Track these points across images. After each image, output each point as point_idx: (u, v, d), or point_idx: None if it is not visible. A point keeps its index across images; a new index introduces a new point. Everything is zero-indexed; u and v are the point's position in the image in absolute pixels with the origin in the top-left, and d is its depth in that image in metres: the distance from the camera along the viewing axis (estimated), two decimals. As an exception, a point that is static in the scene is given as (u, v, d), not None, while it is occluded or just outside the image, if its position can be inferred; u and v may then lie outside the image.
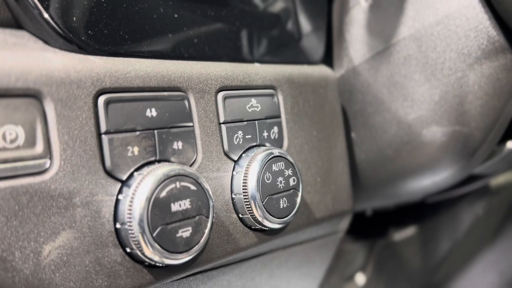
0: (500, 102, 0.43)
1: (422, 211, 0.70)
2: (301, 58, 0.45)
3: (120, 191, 0.28)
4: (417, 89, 0.44)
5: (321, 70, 0.46)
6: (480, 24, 0.40)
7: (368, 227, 0.67)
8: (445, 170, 0.47)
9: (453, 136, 0.44)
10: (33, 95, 0.25)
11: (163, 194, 0.28)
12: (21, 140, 0.25)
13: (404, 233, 0.69)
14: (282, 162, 0.36)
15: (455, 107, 0.43)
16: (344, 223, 0.48)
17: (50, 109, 0.26)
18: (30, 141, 0.25)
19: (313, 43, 0.47)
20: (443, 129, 0.44)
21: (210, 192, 0.31)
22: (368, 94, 0.48)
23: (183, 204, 0.29)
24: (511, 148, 0.48)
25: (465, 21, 0.41)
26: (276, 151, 0.36)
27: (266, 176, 0.35)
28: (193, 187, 0.29)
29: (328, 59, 0.51)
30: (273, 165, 0.36)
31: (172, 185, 0.28)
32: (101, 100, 0.28)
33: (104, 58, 0.29)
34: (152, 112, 0.30)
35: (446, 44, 0.42)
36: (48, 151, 0.26)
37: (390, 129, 0.47)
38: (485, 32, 0.40)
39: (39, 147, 0.25)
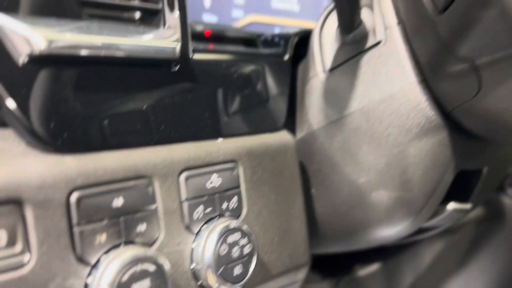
0: (438, 173, 0.48)
1: (385, 247, 0.75)
2: (263, 127, 0.50)
3: (89, 274, 0.33)
4: (366, 157, 0.49)
5: (282, 137, 0.51)
6: (419, 105, 0.45)
7: (334, 265, 0.72)
8: (393, 227, 0.53)
9: (398, 200, 0.49)
10: (15, 202, 0.30)
11: (125, 277, 0.33)
12: (3, 242, 0.29)
13: (369, 269, 0.74)
14: (238, 233, 0.41)
15: (398, 176, 0.48)
16: (302, 274, 0.53)
17: (29, 212, 0.31)
18: (11, 241, 0.30)
19: (275, 113, 0.52)
20: (389, 193, 0.49)
21: (169, 269, 0.36)
22: (325, 157, 0.53)
23: (144, 284, 0.34)
24: (452, 209, 0.53)
25: (406, 101, 0.46)
26: (233, 224, 0.41)
27: (223, 247, 0.40)
28: (152, 268, 0.34)
29: (292, 120, 0.56)
30: (229, 236, 0.41)
31: (134, 269, 0.33)
32: (73, 197, 0.33)
33: (78, 157, 0.34)
34: (118, 202, 0.35)
35: (390, 120, 0.47)
36: (27, 248, 0.30)
37: (343, 189, 0.52)
38: (423, 112, 0.45)
39: (19, 246, 0.30)
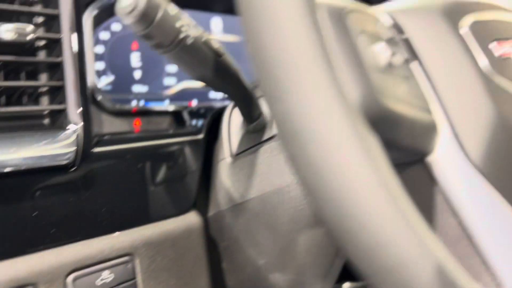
0: (328, 258, 0.51)
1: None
2: (168, 212, 0.53)
3: None
4: (264, 240, 0.52)
5: (187, 220, 0.54)
6: (305, 199, 0.48)
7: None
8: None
9: (292, 282, 0.52)
10: None
11: None
12: None
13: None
14: (125, 327, 0.45)
15: (291, 261, 0.51)
16: None
17: None
18: None
19: (183, 196, 0.55)
20: (284, 276, 0.52)
21: None
22: (231, 236, 0.56)
23: None
24: (347, 288, 0.57)
25: (294, 195, 0.49)
26: (119, 319, 0.44)
27: None
28: None
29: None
30: (115, 332, 0.44)
31: None
32: None
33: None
34: (-3, 314, 0.38)
35: (281, 211, 0.50)
36: None
37: (247, 268, 0.55)
38: (308, 206, 0.48)
39: None
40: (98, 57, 0.63)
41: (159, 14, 0.38)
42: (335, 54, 0.27)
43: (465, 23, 0.37)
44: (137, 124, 0.64)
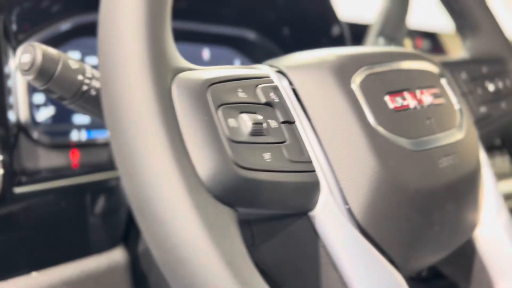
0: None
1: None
2: (91, 249, 0.54)
3: None
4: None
5: (111, 256, 0.55)
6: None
7: None
8: None
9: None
10: None
11: None
12: None
13: None
14: None
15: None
16: None
17: None
18: None
19: (108, 232, 0.56)
20: None
21: None
22: (159, 270, 0.56)
23: None
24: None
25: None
26: None
27: None
28: None
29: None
30: None
31: None
32: None
33: None
34: None
35: None
36: None
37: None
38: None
39: None
40: (38, 90, 0.64)
41: (58, 69, 0.39)
42: (189, 131, 0.28)
43: (358, 77, 0.37)
44: (75, 157, 0.65)
